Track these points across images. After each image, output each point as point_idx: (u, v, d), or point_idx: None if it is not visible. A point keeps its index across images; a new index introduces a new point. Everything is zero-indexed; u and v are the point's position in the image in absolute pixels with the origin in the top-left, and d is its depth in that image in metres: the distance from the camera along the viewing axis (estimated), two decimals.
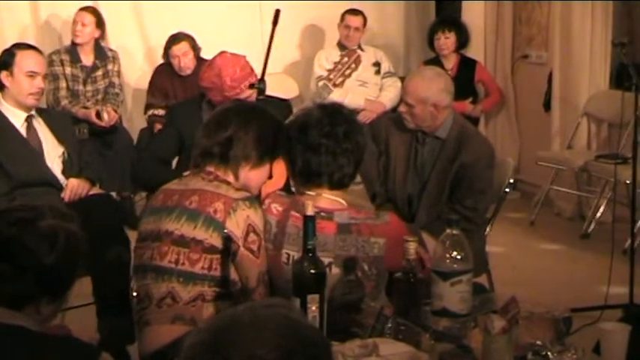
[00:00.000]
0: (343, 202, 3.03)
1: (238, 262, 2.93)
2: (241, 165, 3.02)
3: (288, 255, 2.99)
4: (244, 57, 4.48)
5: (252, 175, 3.06)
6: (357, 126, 3.10)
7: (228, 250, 2.92)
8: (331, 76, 4.29)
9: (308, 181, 3.05)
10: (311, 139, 3.00)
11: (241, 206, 2.91)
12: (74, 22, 6.65)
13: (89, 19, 6.67)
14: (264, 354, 1.51)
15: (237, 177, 3.03)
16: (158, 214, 3.03)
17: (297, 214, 2.97)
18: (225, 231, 2.89)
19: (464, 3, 7.84)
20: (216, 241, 2.90)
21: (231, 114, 3.08)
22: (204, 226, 2.91)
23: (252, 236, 2.91)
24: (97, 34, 6.76)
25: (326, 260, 2.85)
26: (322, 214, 2.95)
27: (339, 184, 3.03)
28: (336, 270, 2.92)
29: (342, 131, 3.00)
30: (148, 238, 3.03)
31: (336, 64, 4.33)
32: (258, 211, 2.96)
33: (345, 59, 4.32)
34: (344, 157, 3.00)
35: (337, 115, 3.06)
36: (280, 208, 3.06)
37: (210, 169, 3.02)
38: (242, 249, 2.91)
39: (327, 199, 3.01)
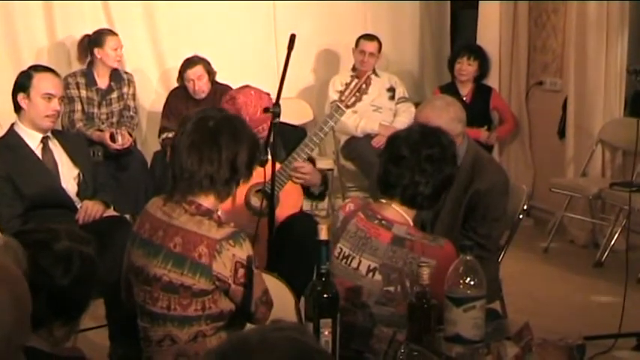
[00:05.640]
0: (409, 218, 3.09)
1: (232, 296, 2.92)
2: (232, 185, 2.99)
3: (341, 250, 3.10)
4: (268, 95, 4.34)
5: (239, 189, 3.08)
6: (448, 156, 3.11)
7: (219, 290, 2.90)
8: (343, 98, 4.27)
9: (384, 190, 3.13)
10: (396, 150, 3.09)
11: (225, 247, 2.86)
12: (112, 47, 6.62)
13: (119, 42, 6.70)
14: None
15: (223, 196, 3.00)
16: (145, 249, 2.99)
17: (362, 216, 3.09)
18: (214, 274, 2.86)
19: (479, 30, 7.85)
20: (205, 285, 2.88)
21: (220, 135, 2.94)
22: (190, 271, 2.87)
23: (241, 271, 2.88)
24: None
25: (372, 265, 2.98)
26: (383, 222, 3.05)
27: (410, 201, 3.09)
28: (378, 277, 3.00)
29: (428, 153, 3.06)
30: (140, 275, 2.99)
31: (347, 85, 4.31)
32: (244, 244, 2.89)
33: (355, 80, 4.30)
34: (421, 176, 3.04)
35: (432, 137, 3.11)
36: (353, 208, 3.18)
37: (194, 198, 2.95)
38: (233, 286, 2.89)
39: (394, 210, 3.09)
